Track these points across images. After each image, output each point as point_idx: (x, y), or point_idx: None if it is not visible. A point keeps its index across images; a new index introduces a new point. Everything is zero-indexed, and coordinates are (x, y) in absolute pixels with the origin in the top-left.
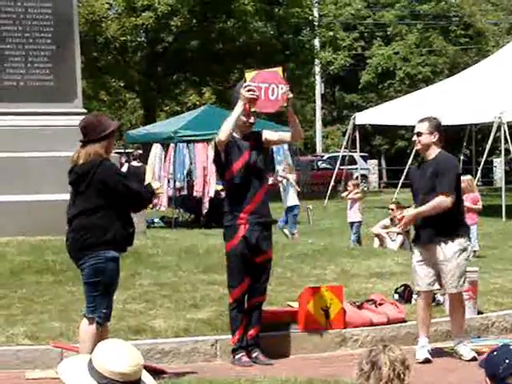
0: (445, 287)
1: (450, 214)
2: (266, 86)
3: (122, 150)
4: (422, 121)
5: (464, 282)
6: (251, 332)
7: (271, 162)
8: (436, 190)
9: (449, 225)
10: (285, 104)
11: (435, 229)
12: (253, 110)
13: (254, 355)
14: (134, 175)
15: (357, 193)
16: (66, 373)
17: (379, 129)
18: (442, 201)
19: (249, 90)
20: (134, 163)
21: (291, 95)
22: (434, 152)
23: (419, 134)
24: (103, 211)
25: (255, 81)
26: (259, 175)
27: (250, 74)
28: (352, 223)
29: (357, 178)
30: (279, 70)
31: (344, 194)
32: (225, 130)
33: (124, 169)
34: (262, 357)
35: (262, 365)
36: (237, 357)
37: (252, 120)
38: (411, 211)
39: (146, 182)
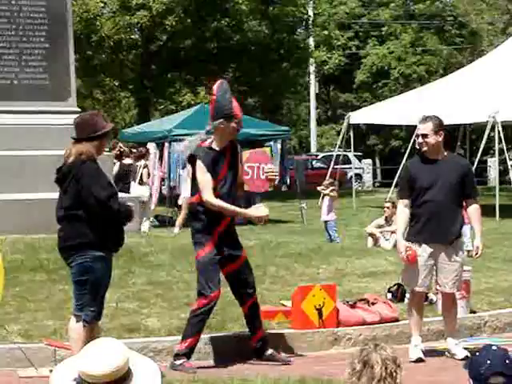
0: (443, 286)
1: (460, 213)
2: (257, 165)
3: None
4: (424, 121)
5: (461, 282)
6: (259, 333)
7: None
8: (467, 193)
9: (459, 225)
10: (272, 184)
11: (453, 229)
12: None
13: (268, 353)
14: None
15: (333, 190)
16: (56, 371)
17: (374, 128)
18: (478, 208)
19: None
20: (126, 161)
21: (276, 178)
22: (442, 151)
23: (425, 136)
24: (88, 212)
25: (250, 161)
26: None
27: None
28: (326, 222)
29: (345, 178)
30: (267, 150)
31: (319, 188)
32: (217, 208)
33: (116, 168)
34: (278, 354)
35: (284, 364)
36: (178, 362)
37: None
38: (479, 240)
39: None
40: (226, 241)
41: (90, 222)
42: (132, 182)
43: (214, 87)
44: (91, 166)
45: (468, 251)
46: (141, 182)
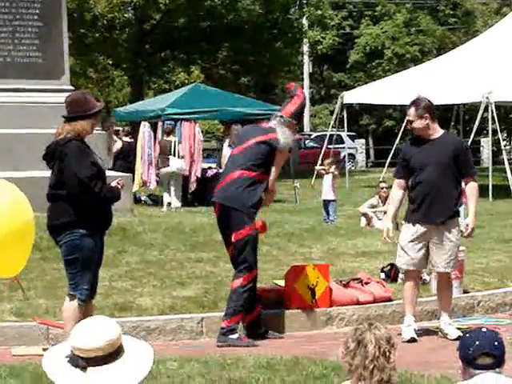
0: (436, 266)
1: (456, 193)
2: None
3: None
4: (409, 107)
5: (456, 262)
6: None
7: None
8: (463, 171)
9: (454, 204)
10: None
11: (446, 208)
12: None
13: (261, 331)
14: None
15: (336, 168)
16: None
17: (367, 108)
18: (475, 186)
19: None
20: (127, 139)
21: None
22: (436, 131)
23: (410, 122)
24: (69, 191)
25: None
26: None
27: None
28: (328, 201)
29: (339, 157)
30: None
31: (318, 168)
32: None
33: (118, 145)
34: (271, 333)
35: (276, 338)
36: (235, 336)
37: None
38: (470, 219)
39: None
40: None
41: (75, 201)
42: (171, 156)
43: (300, 88)
44: (75, 144)
45: (461, 231)
46: (179, 156)
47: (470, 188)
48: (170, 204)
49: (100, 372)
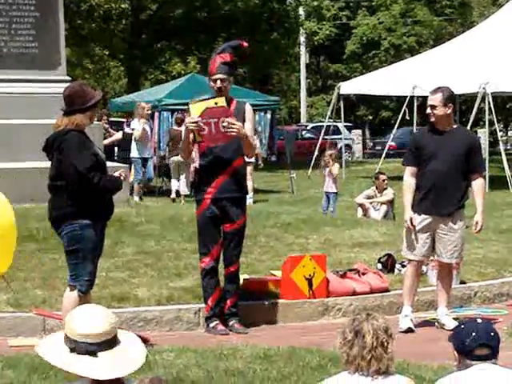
0: (441, 256)
1: (464, 185)
2: (215, 120)
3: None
4: (435, 92)
5: (461, 253)
6: (227, 302)
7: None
8: (472, 167)
9: (462, 196)
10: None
11: (453, 200)
12: (198, 140)
13: (230, 323)
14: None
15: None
16: (44, 342)
17: (364, 99)
18: (482, 183)
19: (194, 123)
20: (128, 130)
21: (234, 131)
22: (451, 123)
23: (433, 107)
24: (67, 182)
25: (204, 116)
26: (230, 150)
27: (195, 107)
28: (330, 193)
29: (335, 147)
30: (221, 100)
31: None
32: (182, 154)
33: (119, 135)
34: (237, 325)
35: (237, 333)
36: (211, 325)
37: (219, 84)
38: (479, 215)
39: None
40: None
41: (75, 192)
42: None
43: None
44: (75, 136)
45: (467, 226)
46: None
47: (478, 184)
48: (178, 192)
49: (112, 354)
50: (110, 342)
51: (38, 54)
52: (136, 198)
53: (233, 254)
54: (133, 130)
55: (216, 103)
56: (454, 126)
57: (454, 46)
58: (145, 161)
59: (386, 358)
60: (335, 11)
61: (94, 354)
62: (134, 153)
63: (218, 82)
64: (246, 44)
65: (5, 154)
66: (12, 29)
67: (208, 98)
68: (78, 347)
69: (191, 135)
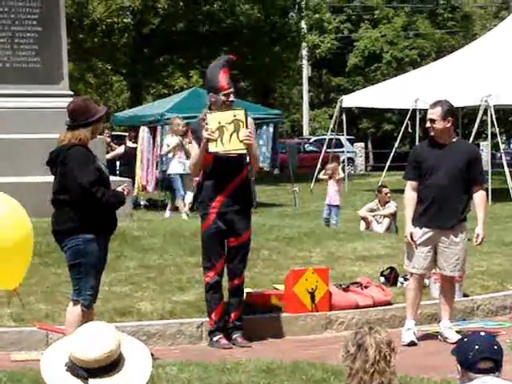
0: (443, 269)
1: (465, 198)
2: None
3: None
4: (434, 106)
5: (463, 266)
6: (232, 315)
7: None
8: (473, 179)
9: (463, 209)
10: (246, 147)
11: (454, 213)
12: (210, 150)
13: (233, 337)
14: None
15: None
16: (46, 355)
17: (366, 112)
18: (483, 194)
19: (207, 131)
20: (130, 144)
21: (250, 141)
22: (451, 136)
23: (432, 121)
24: (71, 196)
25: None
26: (234, 163)
27: (212, 117)
28: (332, 206)
29: (338, 159)
30: (240, 113)
31: (322, 176)
32: (193, 168)
33: (121, 149)
34: (240, 339)
35: (240, 347)
36: (214, 339)
37: (232, 98)
38: (480, 228)
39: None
40: None
41: (78, 206)
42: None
43: None
44: (79, 150)
45: (468, 239)
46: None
47: (479, 196)
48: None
49: (110, 381)
50: (105, 369)
51: (41, 69)
52: (184, 216)
53: (238, 267)
54: (168, 145)
55: (235, 115)
56: (454, 139)
57: (456, 58)
58: (180, 177)
59: (388, 371)
60: (337, 24)
61: (84, 379)
62: (174, 169)
63: (231, 96)
64: (234, 57)
65: (7, 169)
66: (14, 43)
67: (225, 110)
68: (71, 368)
69: (209, 144)
